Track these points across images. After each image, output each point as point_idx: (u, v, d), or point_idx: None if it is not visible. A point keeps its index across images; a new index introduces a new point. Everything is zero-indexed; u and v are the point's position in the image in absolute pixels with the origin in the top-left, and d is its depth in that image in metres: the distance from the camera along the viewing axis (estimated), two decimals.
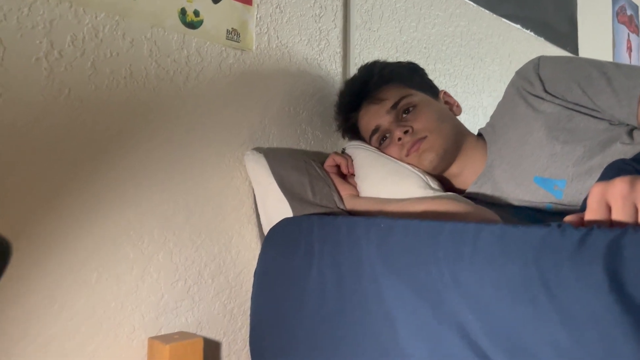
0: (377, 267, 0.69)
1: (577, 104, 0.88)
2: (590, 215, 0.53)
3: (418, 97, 1.02)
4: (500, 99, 1.05)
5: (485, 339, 0.56)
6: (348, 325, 0.72)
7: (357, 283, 0.72)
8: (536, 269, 0.52)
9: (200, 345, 0.86)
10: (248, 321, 1.03)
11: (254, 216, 1.05)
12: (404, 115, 1.00)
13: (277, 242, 0.89)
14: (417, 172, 0.96)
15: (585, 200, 0.78)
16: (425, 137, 0.97)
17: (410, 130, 0.98)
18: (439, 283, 0.61)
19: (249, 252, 1.03)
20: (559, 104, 0.89)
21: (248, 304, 1.03)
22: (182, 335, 0.87)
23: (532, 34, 1.90)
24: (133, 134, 0.87)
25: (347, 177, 1.05)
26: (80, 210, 0.81)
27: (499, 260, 0.56)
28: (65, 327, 0.79)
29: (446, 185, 1.03)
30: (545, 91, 0.91)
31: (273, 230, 0.91)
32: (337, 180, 1.02)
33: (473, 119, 1.62)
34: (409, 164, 0.99)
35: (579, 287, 0.49)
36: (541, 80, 0.92)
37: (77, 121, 0.81)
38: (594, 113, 0.87)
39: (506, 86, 1.02)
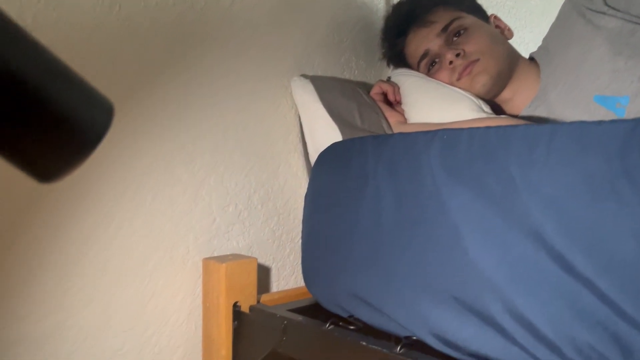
0: (439, 179, 0.67)
1: None
2: None
3: (469, 19, 0.99)
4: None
5: (561, 239, 0.55)
6: (407, 241, 0.72)
7: (417, 197, 0.71)
8: (621, 162, 0.50)
9: (254, 265, 0.86)
10: (296, 248, 1.03)
11: (300, 145, 1.04)
12: (455, 39, 0.97)
13: (329, 164, 0.88)
14: (469, 95, 0.93)
15: None
16: (477, 60, 0.94)
17: (462, 53, 0.95)
18: (509, 188, 0.60)
19: (296, 181, 1.03)
20: (621, 18, 0.85)
21: (296, 231, 1.03)
22: (236, 257, 0.88)
23: None
24: (184, 56, 0.86)
25: (394, 105, 1.03)
26: (135, 130, 0.81)
27: (578, 158, 0.54)
28: (123, 246, 0.80)
29: (497, 111, 1.01)
30: (606, 5, 0.86)
31: (324, 153, 0.89)
32: (385, 108, 1.00)
33: None
34: (460, 88, 0.96)
35: None
36: None
37: (128, 40, 0.80)
38: None
39: (559, 10, 0.98)
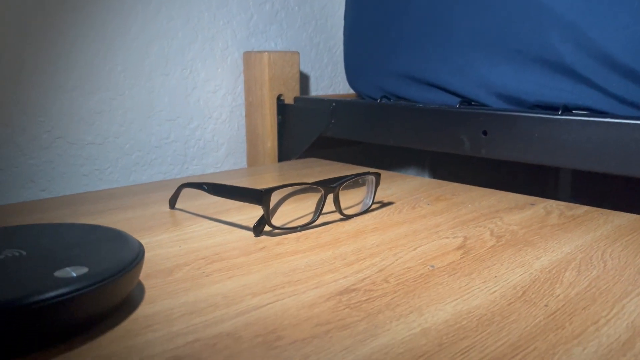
0: None
1: None
2: None
3: None
4: None
5: None
6: (465, 2, 0.68)
7: None
8: None
9: (297, 58, 0.84)
10: (334, 59, 1.00)
11: None
12: None
13: None
14: None
15: None
16: None
17: None
18: None
19: None
20: None
21: (333, 41, 0.99)
22: (277, 51, 0.85)
23: None
24: None
25: None
26: None
27: None
28: (164, 30, 0.77)
29: None
30: None
31: None
32: None
33: None
34: None
35: None
36: None
37: None
38: None
39: None
